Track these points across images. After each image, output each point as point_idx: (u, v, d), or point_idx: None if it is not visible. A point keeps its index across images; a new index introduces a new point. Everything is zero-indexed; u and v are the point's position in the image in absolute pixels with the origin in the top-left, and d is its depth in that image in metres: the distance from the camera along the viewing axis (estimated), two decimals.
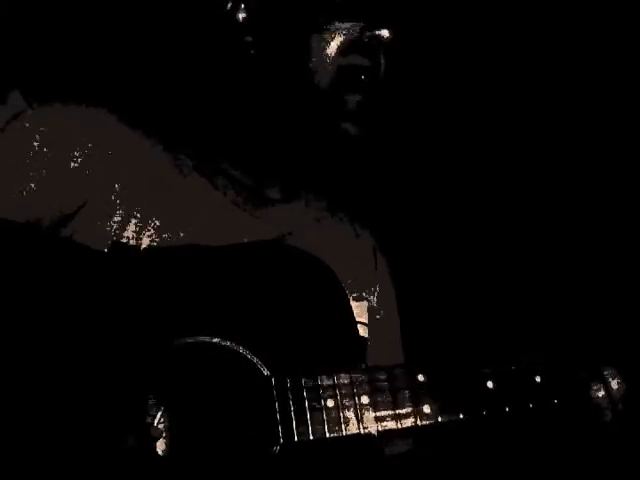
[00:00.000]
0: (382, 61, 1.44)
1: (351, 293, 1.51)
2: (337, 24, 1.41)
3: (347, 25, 1.41)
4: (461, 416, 1.31)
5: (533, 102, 2.09)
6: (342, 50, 1.42)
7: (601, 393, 1.36)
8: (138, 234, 1.38)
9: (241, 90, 1.48)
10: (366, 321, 1.57)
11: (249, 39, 1.45)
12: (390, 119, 1.64)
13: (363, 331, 1.54)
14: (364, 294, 1.59)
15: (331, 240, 1.58)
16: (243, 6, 1.45)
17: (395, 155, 1.98)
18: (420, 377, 1.31)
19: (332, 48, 1.41)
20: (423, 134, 2.02)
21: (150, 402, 1.22)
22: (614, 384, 1.37)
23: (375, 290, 1.62)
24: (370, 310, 1.59)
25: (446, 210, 2.00)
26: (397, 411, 1.29)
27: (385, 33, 1.42)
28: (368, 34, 1.42)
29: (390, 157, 1.96)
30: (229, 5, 1.45)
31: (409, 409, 1.29)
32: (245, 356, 1.27)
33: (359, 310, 1.55)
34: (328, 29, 1.41)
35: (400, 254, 1.68)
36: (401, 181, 2.02)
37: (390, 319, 1.64)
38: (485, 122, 2.09)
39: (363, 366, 1.31)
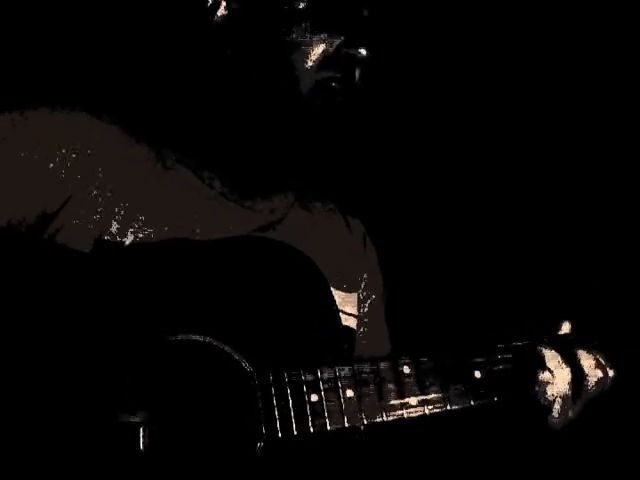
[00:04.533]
0: (357, 77, 1.42)
1: (341, 285, 1.51)
2: (315, 36, 1.40)
3: (324, 38, 1.40)
4: (448, 407, 1.30)
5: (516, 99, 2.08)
6: (318, 63, 1.40)
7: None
8: (122, 230, 1.37)
9: (222, 86, 1.46)
10: (356, 313, 1.56)
11: (227, 39, 1.44)
12: (371, 110, 1.63)
13: (352, 323, 1.53)
14: (353, 285, 1.58)
15: (322, 230, 1.57)
16: (225, 4, 1.44)
17: (381, 144, 1.98)
18: (405, 369, 1.30)
19: (309, 60, 1.40)
20: (407, 124, 2.01)
21: (134, 398, 1.22)
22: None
23: (363, 279, 1.61)
24: (359, 302, 1.58)
25: (436, 200, 1.99)
26: (382, 404, 1.28)
27: (362, 52, 1.40)
28: (344, 51, 1.41)
29: (375, 146, 1.96)
30: (209, 3, 1.44)
31: (395, 402, 1.28)
32: (228, 353, 1.26)
33: (349, 302, 1.54)
34: (306, 40, 1.40)
35: (389, 243, 1.67)
36: (388, 168, 2.01)
37: (377, 309, 1.63)
38: (465, 116, 2.08)
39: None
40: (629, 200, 1.91)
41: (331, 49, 1.40)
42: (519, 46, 2.01)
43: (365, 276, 1.62)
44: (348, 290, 1.55)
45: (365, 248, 1.64)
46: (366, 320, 1.59)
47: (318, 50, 1.40)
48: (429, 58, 2.03)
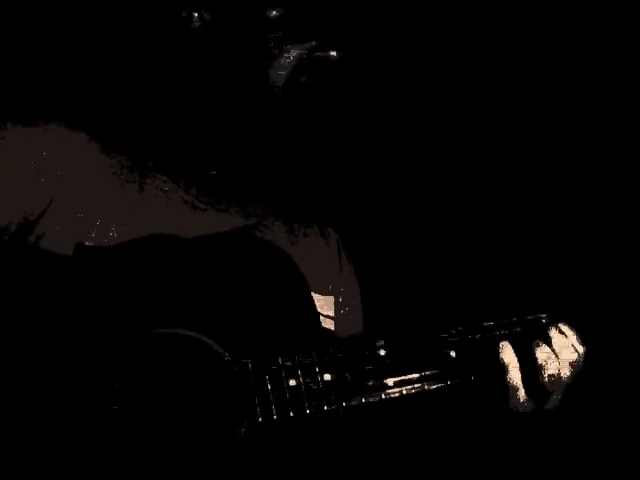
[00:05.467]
0: (328, 80, 1.47)
1: (317, 286, 1.52)
2: (288, 43, 1.45)
3: (297, 44, 1.45)
4: (426, 387, 1.33)
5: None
6: (292, 69, 1.45)
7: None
8: (102, 234, 1.40)
9: (198, 94, 1.50)
10: (332, 314, 1.58)
11: (203, 48, 1.48)
12: (345, 115, 1.66)
13: (330, 324, 1.55)
14: (330, 288, 1.60)
15: (298, 236, 1.61)
16: (197, 15, 1.48)
17: (353, 151, 2.01)
18: (382, 351, 1.33)
19: (284, 66, 1.45)
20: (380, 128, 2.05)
21: (121, 390, 1.24)
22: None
23: (341, 288, 1.63)
24: (336, 304, 1.60)
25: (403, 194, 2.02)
26: (360, 386, 1.30)
27: (333, 54, 1.45)
28: (317, 54, 1.45)
29: (347, 153, 1.99)
30: (184, 13, 1.48)
31: (372, 384, 1.31)
32: (207, 343, 1.29)
33: (326, 303, 1.56)
34: (280, 47, 1.45)
35: (363, 242, 1.69)
36: (358, 174, 2.04)
37: (355, 313, 1.65)
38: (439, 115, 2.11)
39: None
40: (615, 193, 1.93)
41: (304, 54, 1.44)
42: (503, 47, 2.03)
43: (342, 281, 1.64)
44: (323, 293, 1.57)
45: (340, 254, 1.67)
46: (344, 317, 1.61)
47: (292, 56, 1.44)
48: (399, 66, 2.06)
